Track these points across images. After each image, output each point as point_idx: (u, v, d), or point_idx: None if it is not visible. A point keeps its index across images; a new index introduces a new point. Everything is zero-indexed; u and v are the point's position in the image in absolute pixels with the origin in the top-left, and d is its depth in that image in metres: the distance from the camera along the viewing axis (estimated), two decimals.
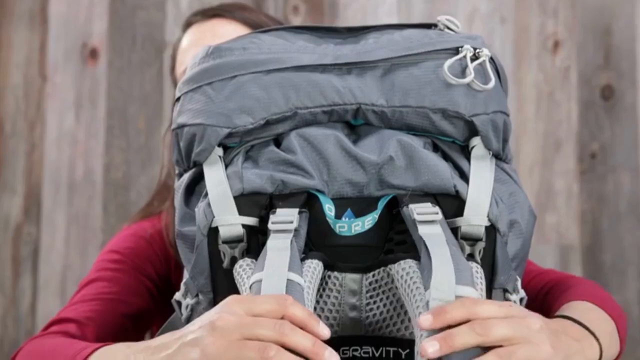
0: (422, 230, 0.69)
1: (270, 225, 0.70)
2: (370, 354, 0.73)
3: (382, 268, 0.71)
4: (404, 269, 0.69)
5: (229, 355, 0.62)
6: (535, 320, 0.66)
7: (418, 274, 0.68)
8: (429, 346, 0.62)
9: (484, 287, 0.69)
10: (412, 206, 0.71)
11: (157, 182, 1.13)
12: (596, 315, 0.79)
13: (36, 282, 1.55)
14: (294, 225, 0.70)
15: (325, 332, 0.64)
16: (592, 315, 0.79)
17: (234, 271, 0.71)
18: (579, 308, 0.80)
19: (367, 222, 0.72)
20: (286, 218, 0.70)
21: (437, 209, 0.71)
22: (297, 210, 0.71)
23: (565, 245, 1.53)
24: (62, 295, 1.54)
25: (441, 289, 0.65)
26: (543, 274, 0.93)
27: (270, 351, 0.61)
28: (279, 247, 0.68)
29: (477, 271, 0.69)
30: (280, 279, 0.66)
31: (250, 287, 0.67)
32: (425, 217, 0.70)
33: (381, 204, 0.73)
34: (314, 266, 0.70)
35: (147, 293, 0.98)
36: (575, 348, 0.70)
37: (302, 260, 0.70)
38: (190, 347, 0.64)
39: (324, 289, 0.72)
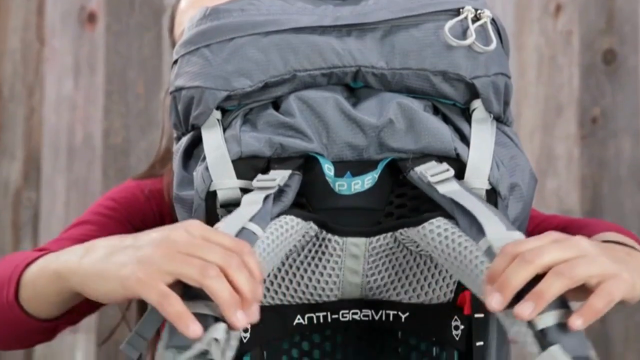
0: (443, 189, 0.69)
1: (254, 183, 0.70)
2: (370, 317, 0.73)
3: (388, 234, 0.71)
4: (439, 226, 0.69)
5: (167, 265, 0.60)
6: (582, 239, 0.63)
7: (458, 228, 0.68)
8: (525, 308, 0.58)
9: None
10: (419, 169, 0.71)
11: (157, 148, 1.12)
12: (631, 242, 0.79)
13: (36, 246, 1.56)
14: (276, 182, 0.69)
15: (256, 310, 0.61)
16: (627, 241, 0.78)
17: None
18: (610, 237, 0.79)
19: (367, 181, 0.72)
20: (271, 177, 0.70)
21: (445, 165, 0.71)
22: (289, 172, 0.71)
23: (565, 211, 1.53)
24: None
25: (497, 236, 0.64)
26: (550, 218, 0.93)
27: (212, 271, 0.59)
28: (251, 200, 0.68)
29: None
30: (235, 227, 0.65)
31: None
32: (440, 177, 0.70)
33: (381, 165, 0.72)
34: (287, 221, 0.69)
35: None
36: (632, 263, 0.68)
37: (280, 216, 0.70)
38: (130, 250, 0.63)
39: (323, 253, 0.72)
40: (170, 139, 1.07)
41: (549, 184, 1.54)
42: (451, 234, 0.68)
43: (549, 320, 0.59)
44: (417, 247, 0.72)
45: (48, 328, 0.79)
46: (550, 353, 0.58)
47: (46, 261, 0.74)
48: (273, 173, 0.71)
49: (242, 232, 0.65)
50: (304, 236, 0.71)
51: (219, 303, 0.59)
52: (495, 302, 0.59)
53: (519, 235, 0.65)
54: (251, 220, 0.66)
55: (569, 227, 0.87)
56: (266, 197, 0.69)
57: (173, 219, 0.91)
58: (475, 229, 0.66)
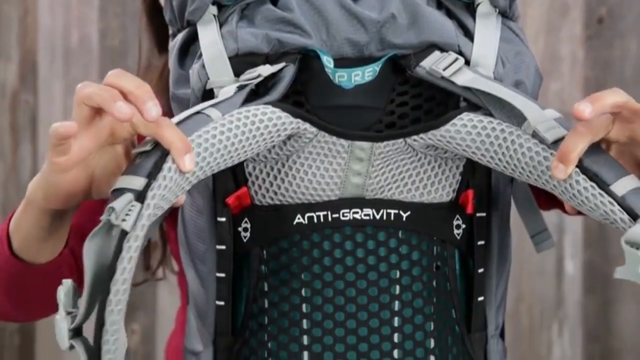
0: (460, 80, 0.68)
1: (240, 77, 0.69)
2: (371, 217, 0.73)
3: (399, 140, 0.70)
4: (471, 119, 0.68)
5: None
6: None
7: (492, 117, 0.68)
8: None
9: None
10: (426, 64, 0.69)
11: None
12: None
13: (36, 149, 1.55)
14: (257, 73, 0.68)
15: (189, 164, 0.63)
16: None
17: None
18: None
19: (367, 73, 0.70)
20: (256, 70, 0.69)
21: (453, 55, 0.69)
22: (280, 65, 0.69)
23: (567, 113, 1.52)
24: None
25: (539, 119, 0.66)
26: None
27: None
28: (224, 92, 0.68)
29: None
30: (190, 112, 0.65)
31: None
32: (452, 69, 0.68)
33: (382, 59, 0.71)
34: (263, 111, 0.67)
35: None
36: None
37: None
38: None
39: (326, 155, 0.71)
40: (148, 65, 1.03)
41: (553, 86, 1.52)
42: (488, 123, 0.67)
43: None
44: (434, 149, 0.71)
45: (52, 272, 0.78)
46: None
47: (20, 203, 0.74)
48: (261, 68, 0.69)
49: (193, 116, 0.65)
50: (300, 137, 0.70)
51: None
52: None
53: (552, 113, 0.66)
54: (213, 106, 0.65)
55: None
56: (241, 87, 0.67)
57: None
58: (513, 114, 0.66)
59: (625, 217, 0.63)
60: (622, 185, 0.63)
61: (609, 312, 1.49)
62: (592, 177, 0.64)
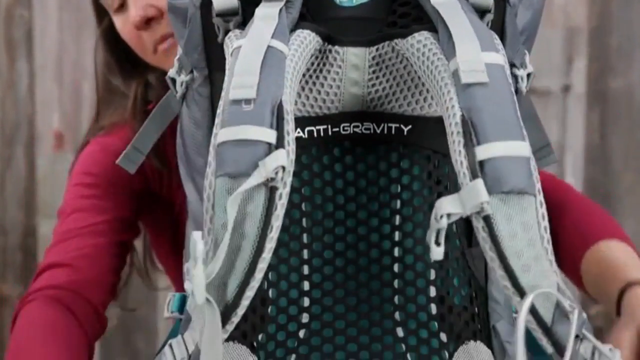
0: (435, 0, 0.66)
1: None
2: (371, 131, 0.72)
3: (387, 42, 0.69)
4: (420, 41, 0.67)
5: None
6: None
7: (437, 45, 0.65)
8: None
9: (504, 52, 0.67)
10: None
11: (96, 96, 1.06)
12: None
13: (32, 65, 1.53)
14: None
15: None
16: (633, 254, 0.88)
17: (224, 43, 0.69)
18: (617, 249, 0.87)
19: None
20: None
21: None
22: None
23: (571, 28, 1.49)
24: (59, 79, 1.52)
25: (467, 57, 0.62)
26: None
27: None
28: (266, 15, 0.66)
29: (496, 38, 0.67)
30: (261, 45, 0.63)
31: (231, 54, 0.65)
32: None
33: None
34: (305, 36, 0.67)
35: (127, 210, 0.97)
36: None
37: (292, 31, 0.67)
38: None
39: (324, 64, 0.70)
40: (105, 86, 1.03)
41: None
42: (428, 50, 0.66)
43: None
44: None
45: None
46: None
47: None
48: None
49: (269, 52, 0.63)
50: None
51: None
52: None
53: (494, 57, 0.63)
54: (273, 37, 0.64)
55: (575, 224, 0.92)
56: (280, 10, 0.66)
57: (155, 177, 0.88)
58: (451, 46, 0.63)
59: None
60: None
61: None
62: None
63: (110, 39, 1.02)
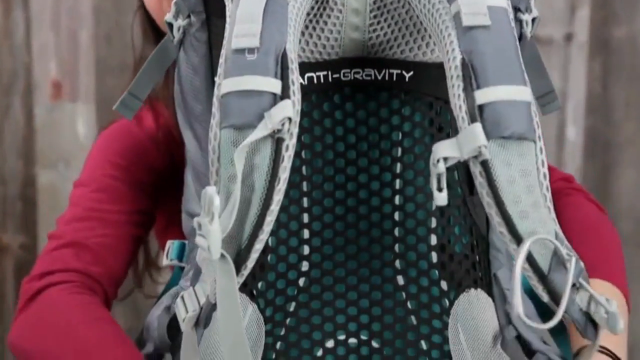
0: None
1: None
2: (372, 77, 0.71)
3: None
4: None
5: None
6: None
7: None
8: None
9: None
10: None
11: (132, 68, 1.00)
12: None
13: (28, 14, 1.51)
14: None
15: None
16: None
17: None
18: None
19: None
20: None
21: None
22: None
23: None
24: (56, 27, 1.50)
25: (469, 0, 0.62)
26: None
27: None
28: None
29: None
30: None
31: (231, 0, 0.64)
32: None
33: None
34: None
35: (150, 203, 0.92)
36: None
37: None
38: None
39: (324, 9, 0.69)
40: (142, 55, 0.97)
41: None
42: None
43: None
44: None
45: None
46: None
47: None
48: None
49: (269, 2, 0.63)
50: None
51: None
52: None
53: (497, 0, 0.62)
54: None
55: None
56: None
57: (183, 159, 0.83)
58: None
59: None
60: None
61: (608, 178, 1.49)
62: None
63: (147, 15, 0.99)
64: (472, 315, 0.71)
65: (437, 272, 0.72)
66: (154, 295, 1.04)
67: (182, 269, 0.81)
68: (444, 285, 0.72)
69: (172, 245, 0.81)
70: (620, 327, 0.59)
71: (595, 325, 0.61)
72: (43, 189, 1.55)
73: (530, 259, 0.59)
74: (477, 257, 0.72)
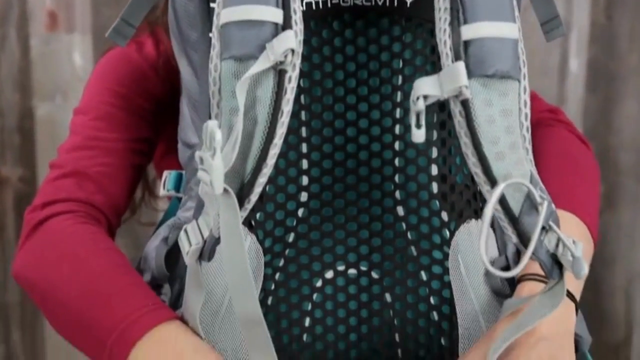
0: None
1: None
2: (373, 2, 0.69)
3: None
4: None
5: None
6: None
7: None
8: None
9: None
10: None
11: None
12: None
13: None
14: None
15: None
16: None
17: None
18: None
19: None
20: None
21: None
22: None
23: None
24: None
25: None
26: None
27: None
28: None
29: None
30: None
31: None
32: None
33: None
34: None
35: (150, 129, 0.90)
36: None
37: None
38: None
39: None
40: None
41: None
42: None
43: None
44: None
45: None
46: None
47: None
48: None
49: None
50: None
51: None
52: None
53: None
54: None
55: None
56: None
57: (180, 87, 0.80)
58: None
59: None
60: None
61: (609, 110, 1.48)
62: None
63: None
64: (472, 246, 0.71)
65: (437, 202, 0.71)
66: (150, 223, 1.04)
67: (179, 199, 0.80)
68: (444, 215, 0.71)
69: (169, 175, 0.81)
70: (584, 273, 0.59)
71: (560, 267, 0.61)
72: (41, 121, 1.54)
73: (502, 202, 0.59)
74: (478, 188, 0.72)
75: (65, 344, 0.75)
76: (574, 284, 0.72)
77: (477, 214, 0.72)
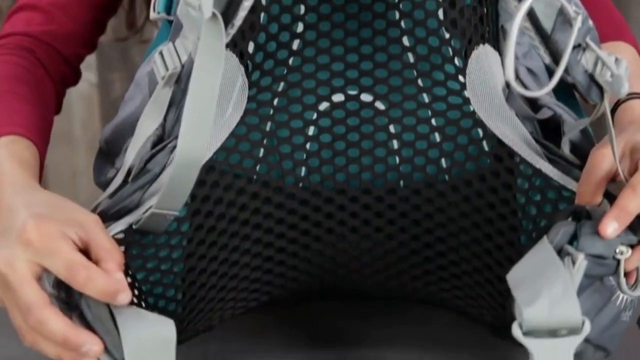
0: None
1: None
2: None
3: None
4: None
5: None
6: None
7: None
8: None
9: None
10: None
11: None
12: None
13: None
14: None
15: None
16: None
17: None
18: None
19: None
20: None
21: None
22: None
23: None
24: None
25: None
26: None
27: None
28: None
29: None
30: None
31: None
32: None
33: None
34: None
35: None
36: None
37: None
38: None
39: None
40: None
41: None
42: None
43: None
44: None
45: None
46: None
47: None
48: None
49: None
50: None
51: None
52: (611, 229, 0.56)
53: None
54: None
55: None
56: None
57: None
58: None
59: None
60: None
61: None
62: None
63: None
64: (482, 71, 0.66)
65: (445, 31, 0.65)
66: (149, 40, 0.99)
67: (170, 22, 0.76)
68: (455, 43, 0.66)
69: None
70: (624, 91, 0.53)
71: (600, 88, 0.55)
72: None
73: (533, 18, 0.53)
74: (485, 10, 0.65)
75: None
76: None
77: (484, 38, 0.66)
